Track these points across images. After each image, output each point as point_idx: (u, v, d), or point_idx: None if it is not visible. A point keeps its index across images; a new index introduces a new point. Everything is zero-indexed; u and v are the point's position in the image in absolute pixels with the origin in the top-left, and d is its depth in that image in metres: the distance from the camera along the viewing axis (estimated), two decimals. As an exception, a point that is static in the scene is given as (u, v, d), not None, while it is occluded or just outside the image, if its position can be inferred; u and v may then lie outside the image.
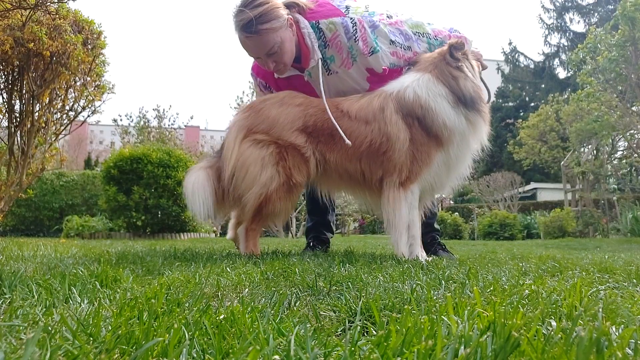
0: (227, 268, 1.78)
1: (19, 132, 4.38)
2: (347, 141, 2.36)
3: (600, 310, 0.94)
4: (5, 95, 4.39)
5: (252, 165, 2.44)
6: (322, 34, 2.49)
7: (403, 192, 2.38)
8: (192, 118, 42.79)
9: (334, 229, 3.37)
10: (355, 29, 2.47)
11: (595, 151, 11.65)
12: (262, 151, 2.45)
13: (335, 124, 2.39)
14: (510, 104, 29.23)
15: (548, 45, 28.79)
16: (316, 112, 2.51)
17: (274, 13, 2.35)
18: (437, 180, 2.46)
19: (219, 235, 9.93)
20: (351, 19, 2.46)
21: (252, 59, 2.67)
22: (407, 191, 2.39)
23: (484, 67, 2.71)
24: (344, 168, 2.51)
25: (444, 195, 23.84)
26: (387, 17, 2.57)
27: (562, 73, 28.33)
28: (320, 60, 2.51)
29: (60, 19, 4.12)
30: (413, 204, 2.41)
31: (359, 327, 0.84)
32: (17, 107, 4.41)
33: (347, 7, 2.50)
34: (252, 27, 2.32)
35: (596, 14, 26.66)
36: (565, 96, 18.27)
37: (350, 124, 2.45)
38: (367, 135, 2.43)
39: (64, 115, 4.76)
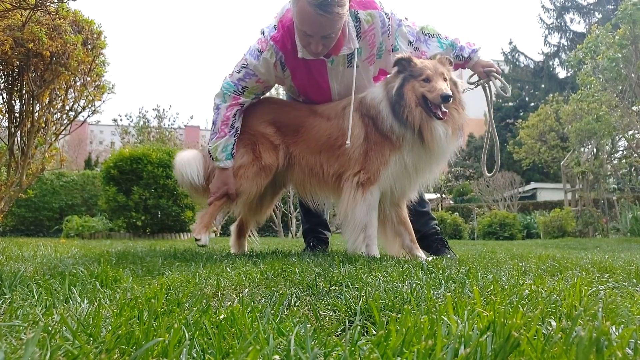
0: (227, 268, 1.78)
1: (19, 132, 4.37)
2: (348, 142, 2.43)
3: (600, 310, 0.94)
4: (5, 96, 4.38)
5: None
6: (359, 25, 2.47)
7: (362, 193, 2.45)
8: (192, 118, 42.78)
9: (333, 229, 3.38)
10: (389, 24, 2.52)
11: (595, 151, 11.64)
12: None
13: (350, 121, 2.44)
14: (510, 103, 29.23)
15: (548, 45, 28.81)
16: (288, 110, 2.75)
17: (347, 0, 2.30)
18: (397, 184, 2.49)
19: (218, 235, 9.93)
20: (386, 13, 2.50)
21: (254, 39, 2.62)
22: (366, 192, 2.45)
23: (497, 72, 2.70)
24: (305, 160, 2.64)
25: (443, 196, 23.84)
26: (405, 18, 2.63)
27: (561, 73, 28.34)
28: (356, 50, 2.48)
29: (60, 19, 4.12)
30: (372, 205, 2.47)
31: (358, 326, 0.84)
32: (17, 107, 4.41)
33: (380, 2, 2.52)
34: (329, 7, 2.22)
35: (596, 14, 26.66)
36: (565, 95, 18.27)
37: (315, 119, 2.63)
38: (326, 130, 2.58)
39: (64, 116, 4.76)
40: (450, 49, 2.65)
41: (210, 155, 2.62)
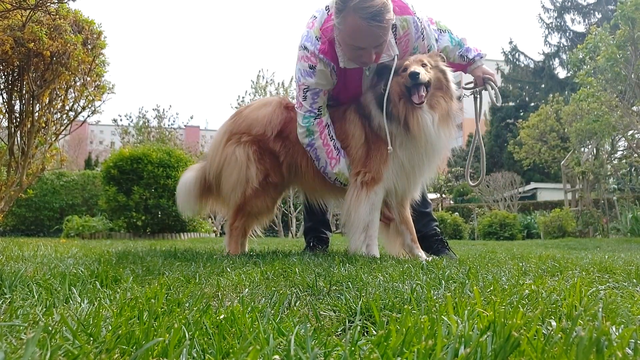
0: (227, 268, 1.78)
1: (19, 132, 4.37)
2: (390, 148, 2.39)
3: (600, 310, 0.94)
4: (5, 96, 4.38)
5: (238, 163, 2.63)
6: (395, 31, 2.46)
7: (366, 192, 2.45)
8: (192, 118, 42.72)
9: (334, 229, 3.40)
10: (422, 27, 2.52)
11: (595, 151, 11.64)
12: (247, 149, 2.62)
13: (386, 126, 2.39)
14: (511, 103, 29.23)
15: (548, 45, 28.80)
16: (294, 116, 2.64)
17: (391, 6, 2.30)
18: (399, 182, 2.50)
19: (219, 235, 9.93)
20: (418, 18, 2.50)
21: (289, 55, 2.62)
22: (370, 191, 2.45)
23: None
24: (313, 166, 2.63)
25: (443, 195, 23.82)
26: (427, 17, 2.64)
27: (562, 73, 28.32)
28: (395, 57, 2.44)
29: (60, 19, 4.12)
30: (376, 205, 2.47)
31: (359, 326, 0.84)
32: (17, 107, 4.41)
33: (412, 6, 2.51)
34: (380, 16, 2.21)
35: (596, 14, 26.66)
36: (566, 95, 18.26)
37: None
38: None
39: (64, 115, 4.76)
40: (457, 46, 2.69)
41: (341, 183, 2.60)
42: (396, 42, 2.48)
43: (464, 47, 2.70)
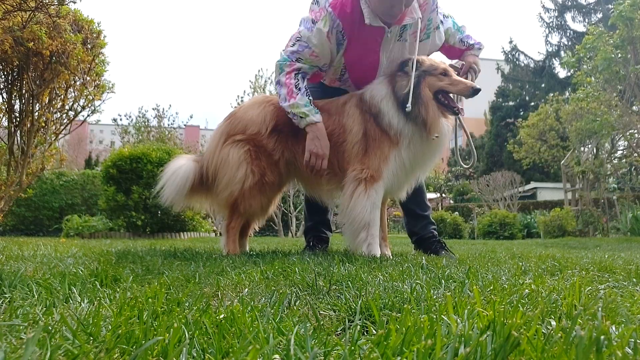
0: (227, 267, 1.78)
1: (18, 131, 4.38)
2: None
3: (600, 309, 0.94)
4: (5, 95, 4.39)
5: (230, 163, 2.59)
6: None
7: (365, 190, 2.43)
8: (191, 117, 42.54)
9: (334, 228, 3.39)
10: (436, 1, 2.59)
11: (595, 150, 11.63)
12: (240, 150, 2.59)
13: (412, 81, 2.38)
14: (511, 103, 29.24)
15: (549, 44, 28.76)
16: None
17: None
18: (396, 181, 2.51)
19: (218, 234, 9.93)
20: None
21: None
22: (369, 189, 2.43)
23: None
24: None
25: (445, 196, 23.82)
26: None
27: (562, 72, 28.27)
28: (419, 20, 2.47)
29: (59, 19, 4.12)
30: (376, 204, 2.46)
31: (358, 326, 0.84)
32: (17, 106, 4.41)
33: None
34: None
35: (597, 13, 26.64)
36: (566, 96, 18.27)
37: None
38: (328, 126, 2.56)
39: (64, 115, 4.76)
40: (458, 32, 2.80)
41: (295, 116, 2.50)
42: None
43: (465, 33, 2.81)
